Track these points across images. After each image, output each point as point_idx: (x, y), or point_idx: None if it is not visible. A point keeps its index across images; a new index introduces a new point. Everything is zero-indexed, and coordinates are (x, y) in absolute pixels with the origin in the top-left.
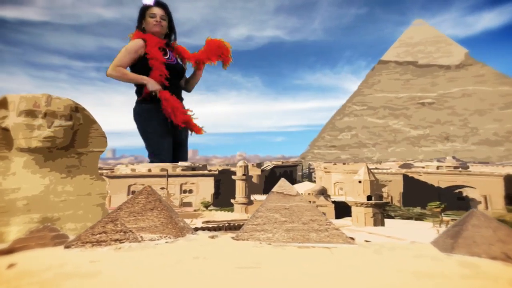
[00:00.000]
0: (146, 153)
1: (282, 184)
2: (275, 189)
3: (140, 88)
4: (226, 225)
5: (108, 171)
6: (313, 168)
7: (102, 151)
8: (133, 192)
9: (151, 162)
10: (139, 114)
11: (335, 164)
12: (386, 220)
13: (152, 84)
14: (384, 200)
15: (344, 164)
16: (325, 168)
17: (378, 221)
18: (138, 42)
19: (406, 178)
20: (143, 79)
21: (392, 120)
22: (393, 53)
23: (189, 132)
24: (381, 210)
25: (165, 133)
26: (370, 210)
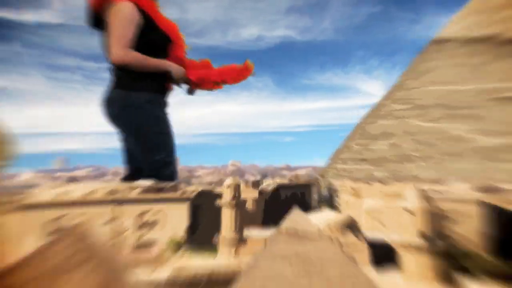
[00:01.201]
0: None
1: (295, 217)
2: (284, 224)
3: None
4: (205, 279)
5: (17, 196)
6: (335, 190)
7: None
8: (59, 231)
9: (157, 177)
10: (136, 107)
11: (368, 183)
12: (465, 279)
13: (175, 70)
14: (453, 243)
15: (381, 183)
16: (353, 189)
17: (449, 278)
18: (130, 9)
19: (489, 208)
20: (165, 64)
21: (451, 123)
22: (456, 27)
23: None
24: (453, 260)
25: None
26: (429, 258)
